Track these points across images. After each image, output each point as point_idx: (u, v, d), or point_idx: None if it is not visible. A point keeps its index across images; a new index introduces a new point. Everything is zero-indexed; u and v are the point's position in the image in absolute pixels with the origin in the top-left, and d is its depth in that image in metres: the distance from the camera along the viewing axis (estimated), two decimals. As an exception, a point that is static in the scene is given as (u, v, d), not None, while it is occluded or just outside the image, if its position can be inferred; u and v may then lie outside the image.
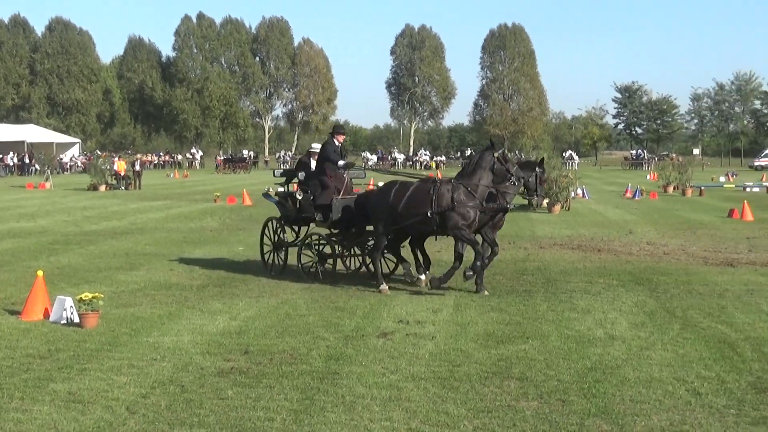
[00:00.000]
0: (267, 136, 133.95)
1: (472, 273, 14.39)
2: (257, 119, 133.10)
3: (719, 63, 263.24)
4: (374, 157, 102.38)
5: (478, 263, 14.42)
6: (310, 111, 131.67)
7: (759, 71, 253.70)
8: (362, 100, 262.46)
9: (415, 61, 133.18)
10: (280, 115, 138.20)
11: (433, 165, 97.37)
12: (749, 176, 74.04)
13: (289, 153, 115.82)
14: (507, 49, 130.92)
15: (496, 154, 15.07)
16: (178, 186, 56.21)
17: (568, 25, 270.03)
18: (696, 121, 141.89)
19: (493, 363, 9.71)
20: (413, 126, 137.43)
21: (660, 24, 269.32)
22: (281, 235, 17.39)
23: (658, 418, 7.71)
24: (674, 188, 47.38)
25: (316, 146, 17.35)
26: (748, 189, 49.36)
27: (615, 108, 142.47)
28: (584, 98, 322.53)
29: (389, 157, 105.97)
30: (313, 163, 16.82)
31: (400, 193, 15.12)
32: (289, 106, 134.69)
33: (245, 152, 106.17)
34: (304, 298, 14.08)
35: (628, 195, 43.37)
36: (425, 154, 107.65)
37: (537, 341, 10.75)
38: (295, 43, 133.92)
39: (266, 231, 17.59)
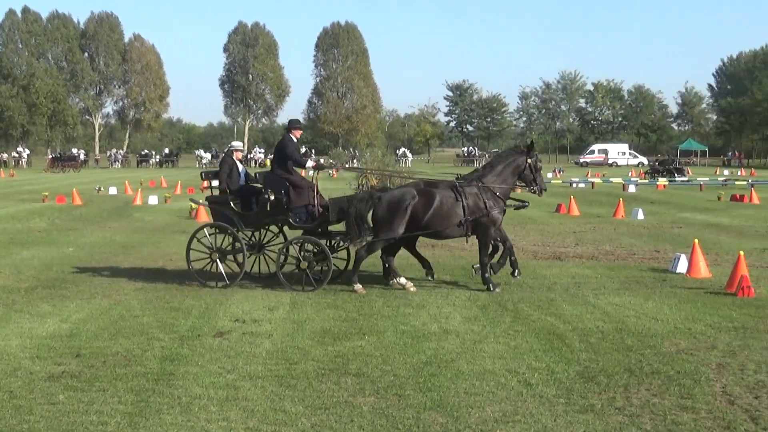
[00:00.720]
0: (97, 134, 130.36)
1: (479, 267, 14.68)
2: (87, 117, 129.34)
3: (546, 62, 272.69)
4: (208, 155, 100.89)
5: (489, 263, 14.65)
6: (142, 108, 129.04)
7: (584, 71, 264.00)
8: (195, 97, 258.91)
9: (249, 59, 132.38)
10: (111, 112, 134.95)
11: (268, 163, 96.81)
12: (575, 172, 76.87)
13: (121, 151, 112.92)
14: (340, 47, 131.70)
15: (529, 161, 15.13)
16: (4, 185, 53.99)
17: (400, 24, 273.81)
18: (524, 118, 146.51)
19: (330, 360, 9.75)
20: (247, 124, 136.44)
21: (490, 24, 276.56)
22: (223, 242, 15.92)
23: (492, 409, 7.91)
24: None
25: (238, 144, 16.28)
26: (574, 185, 51.21)
27: (447, 106, 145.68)
28: (417, 96, 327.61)
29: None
30: (240, 165, 15.76)
31: (424, 204, 14.55)
32: (120, 103, 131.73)
33: (75, 150, 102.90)
34: (138, 298, 13.77)
35: (461, 192, 44.25)
36: (260, 152, 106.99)
37: (373, 337, 10.86)
38: (126, 39, 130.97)
39: (198, 239, 15.52)
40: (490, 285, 14.35)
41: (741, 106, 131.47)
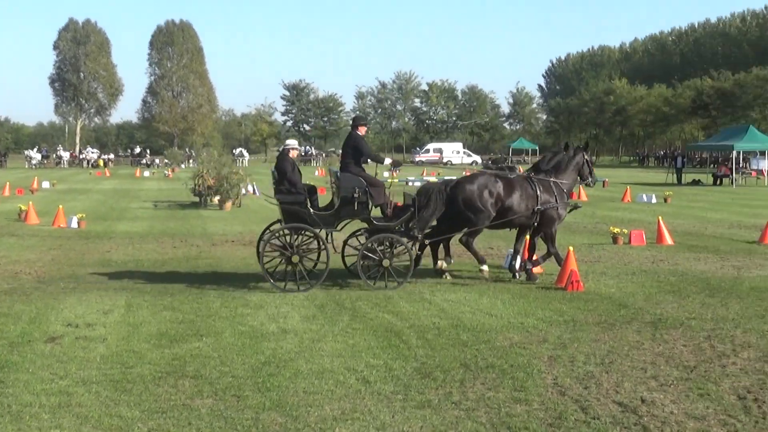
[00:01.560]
0: None
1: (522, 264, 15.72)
2: None
3: (382, 63, 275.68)
4: (38, 155, 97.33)
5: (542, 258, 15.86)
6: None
7: (418, 71, 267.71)
8: (24, 95, 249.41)
9: (80, 57, 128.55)
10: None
11: (101, 164, 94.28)
12: (411, 171, 77.94)
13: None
14: (175, 45, 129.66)
15: (587, 157, 16.31)
16: None
17: (237, 23, 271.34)
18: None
19: (167, 362, 9.59)
20: (79, 123, 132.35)
21: (326, 24, 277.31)
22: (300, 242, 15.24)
23: (331, 408, 7.96)
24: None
25: (293, 142, 16.04)
26: (410, 183, 51.94)
27: (284, 105, 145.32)
28: (254, 96, 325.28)
29: (54, 155, 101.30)
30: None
31: (508, 188, 15.37)
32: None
33: None
34: (-41, 305, 13.15)
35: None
36: (92, 152, 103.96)
37: (211, 338, 10.74)
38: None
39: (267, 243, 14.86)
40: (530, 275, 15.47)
41: (569, 106, 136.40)
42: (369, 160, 15.66)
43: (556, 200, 15.61)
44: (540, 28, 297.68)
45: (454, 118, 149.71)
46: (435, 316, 12.05)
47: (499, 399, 8.17)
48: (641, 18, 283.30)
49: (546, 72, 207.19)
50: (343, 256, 15.94)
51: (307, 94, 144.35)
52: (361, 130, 15.69)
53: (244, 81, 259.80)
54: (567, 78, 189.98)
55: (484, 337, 10.73)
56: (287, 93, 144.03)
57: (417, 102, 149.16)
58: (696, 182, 57.60)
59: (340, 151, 15.90)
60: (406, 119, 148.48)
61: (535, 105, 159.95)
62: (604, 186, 50.31)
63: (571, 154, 16.24)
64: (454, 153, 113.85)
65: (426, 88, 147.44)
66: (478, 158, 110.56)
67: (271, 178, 15.46)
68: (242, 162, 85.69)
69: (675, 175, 58.94)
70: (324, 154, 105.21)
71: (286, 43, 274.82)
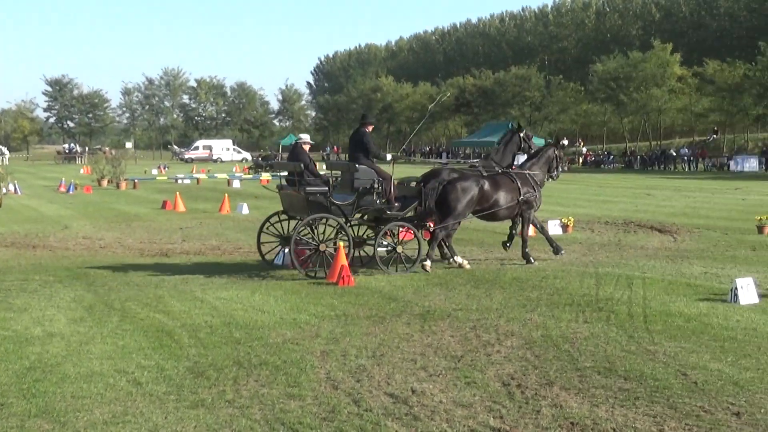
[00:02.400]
0: None
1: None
2: None
3: (149, 59, 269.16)
4: None
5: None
6: None
7: (186, 67, 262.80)
8: None
9: None
10: None
11: None
12: (180, 168, 76.73)
13: None
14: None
15: (557, 152, 18.04)
16: None
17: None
18: (128, 114, 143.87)
19: None
20: None
21: (90, 16, 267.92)
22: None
23: (101, 412, 7.71)
24: (108, 181, 47.61)
25: (306, 136, 17.27)
26: (179, 181, 51.16)
27: (46, 101, 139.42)
28: (13, 91, 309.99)
29: None
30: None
31: (493, 184, 16.70)
32: None
33: None
34: None
35: (62, 189, 42.67)
36: None
37: (-31, 346, 10.15)
38: None
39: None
40: (530, 258, 16.87)
41: (338, 103, 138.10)
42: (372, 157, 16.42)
43: (535, 190, 17.28)
44: (308, 26, 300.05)
45: (223, 115, 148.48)
46: (207, 315, 11.91)
47: (273, 395, 8.18)
48: (406, 17, 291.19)
49: (314, 69, 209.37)
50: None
51: (71, 89, 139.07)
52: (368, 128, 16.65)
53: (2, 76, 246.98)
54: (335, 75, 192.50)
55: (257, 334, 10.70)
56: (49, 88, 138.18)
57: (186, 98, 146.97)
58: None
59: (335, 148, 17.01)
60: (175, 116, 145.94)
61: (304, 102, 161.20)
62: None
63: (542, 149, 18.19)
64: (224, 150, 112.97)
65: (195, 84, 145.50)
66: (248, 155, 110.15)
67: (276, 170, 16.65)
68: (3, 160, 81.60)
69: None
70: (89, 152, 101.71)
71: (47, 37, 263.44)
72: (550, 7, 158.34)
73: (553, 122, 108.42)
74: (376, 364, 9.31)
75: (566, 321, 11.27)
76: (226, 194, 33.03)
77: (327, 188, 15.70)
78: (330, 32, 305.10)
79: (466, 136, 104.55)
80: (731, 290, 12.43)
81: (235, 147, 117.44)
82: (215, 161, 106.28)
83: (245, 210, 29.81)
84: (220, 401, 8.01)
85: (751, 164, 70.35)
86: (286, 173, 17.42)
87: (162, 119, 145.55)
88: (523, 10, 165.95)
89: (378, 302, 12.85)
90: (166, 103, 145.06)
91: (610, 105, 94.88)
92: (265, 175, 54.38)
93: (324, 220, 15.89)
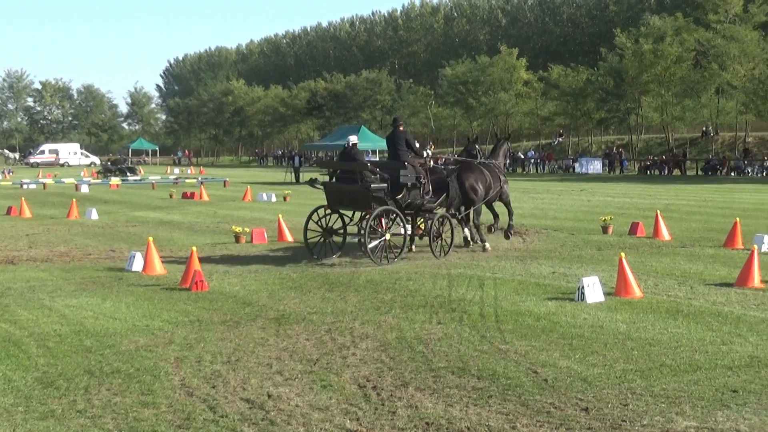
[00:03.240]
0: None
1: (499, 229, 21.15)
2: None
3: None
4: None
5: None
6: None
7: (30, 69, 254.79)
8: None
9: None
10: None
11: None
12: (26, 173, 74.23)
13: None
14: None
15: (508, 144, 22.36)
16: None
17: None
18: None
19: None
20: None
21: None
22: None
23: (-57, 428, 7.39)
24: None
25: (354, 138, 19.04)
26: (25, 186, 49.50)
27: None
28: None
29: None
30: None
31: (486, 173, 19.93)
32: None
33: None
34: None
35: None
36: None
37: None
38: None
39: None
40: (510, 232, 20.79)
41: (188, 106, 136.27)
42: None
43: (504, 178, 20.84)
44: (157, 28, 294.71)
45: (70, 118, 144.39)
46: (56, 323, 11.56)
47: (126, 404, 8.00)
48: (257, 20, 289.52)
49: (164, 72, 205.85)
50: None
51: None
52: (401, 128, 18.92)
53: None
54: (185, 78, 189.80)
55: (109, 342, 10.46)
56: None
57: (30, 101, 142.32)
58: (313, 181, 59.72)
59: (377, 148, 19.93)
60: (19, 119, 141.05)
61: (153, 105, 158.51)
62: (225, 186, 50.85)
63: (499, 144, 21.84)
64: (71, 154, 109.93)
65: (39, 87, 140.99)
66: (96, 159, 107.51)
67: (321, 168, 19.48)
68: None
69: (293, 174, 60.75)
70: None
71: None
72: (399, 11, 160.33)
73: (403, 125, 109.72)
74: (232, 369, 9.23)
75: (420, 322, 11.43)
76: (74, 199, 32.14)
77: (387, 184, 17.70)
78: (179, 34, 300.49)
79: (318, 139, 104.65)
80: (578, 289, 12.85)
81: (83, 151, 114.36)
82: (62, 165, 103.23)
83: (94, 215, 29.08)
84: (70, 412, 7.79)
85: (595, 166, 72.97)
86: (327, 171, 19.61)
87: (5, 122, 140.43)
88: (373, 14, 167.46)
89: (232, 307, 12.75)
90: (9, 106, 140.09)
91: (460, 108, 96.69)
92: (115, 180, 53.16)
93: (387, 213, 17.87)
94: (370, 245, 16.98)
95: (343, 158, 19.14)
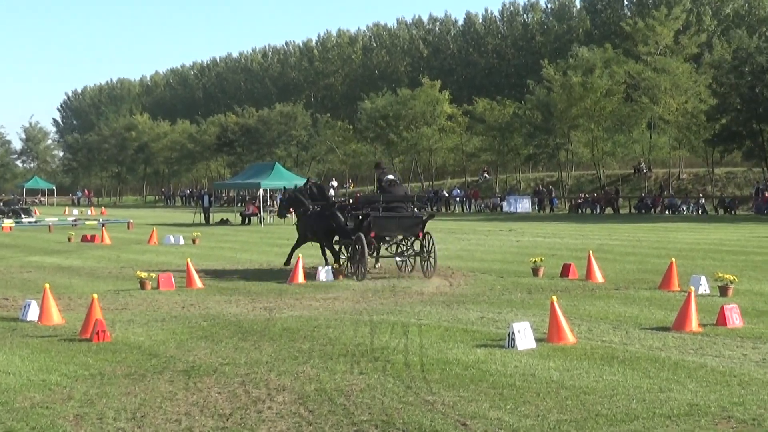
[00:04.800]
0: None
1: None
2: None
3: None
4: None
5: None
6: None
7: None
8: None
9: None
10: None
11: None
12: None
13: None
14: None
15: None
16: None
17: None
18: None
19: None
20: None
21: None
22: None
23: None
24: None
25: (391, 176, 24.76)
26: None
27: None
28: None
29: None
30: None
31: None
32: None
33: None
34: None
35: None
36: None
37: None
38: None
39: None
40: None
41: (88, 143, 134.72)
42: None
43: None
44: (53, 58, 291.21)
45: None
46: (-59, 380, 11.24)
47: (19, 468, 7.81)
48: (162, 50, 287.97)
49: (61, 105, 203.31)
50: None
51: None
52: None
53: None
54: (85, 112, 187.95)
55: (2, 399, 10.20)
56: None
57: None
58: (224, 221, 59.48)
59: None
60: None
61: (50, 141, 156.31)
62: (129, 228, 50.23)
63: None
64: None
65: None
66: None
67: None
68: None
69: (203, 215, 60.32)
70: None
71: None
72: (315, 41, 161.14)
73: (321, 162, 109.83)
74: (137, 426, 9.07)
75: (341, 373, 11.38)
76: (-39, 244, 31.44)
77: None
78: (78, 65, 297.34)
79: (229, 177, 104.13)
80: (508, 335, 12.92)
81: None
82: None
83: (-16, 261, 28.47)
84: (-43, 478, 7.57)
85: (524, 205, 74.00)
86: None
87: None
88: (287, 44, 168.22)
89: (137, 359, 12.54)
90: None
91: (380, 144, 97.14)
92: (8, 222, 52.13)
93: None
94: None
95: (392, 190, 24.12)
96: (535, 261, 23.44)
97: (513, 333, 12.80)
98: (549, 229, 46.57)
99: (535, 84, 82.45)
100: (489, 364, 11.74)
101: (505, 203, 76.28)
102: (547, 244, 34.54)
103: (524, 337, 12.82)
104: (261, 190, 58.79)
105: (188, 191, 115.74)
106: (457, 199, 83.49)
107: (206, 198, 64.38)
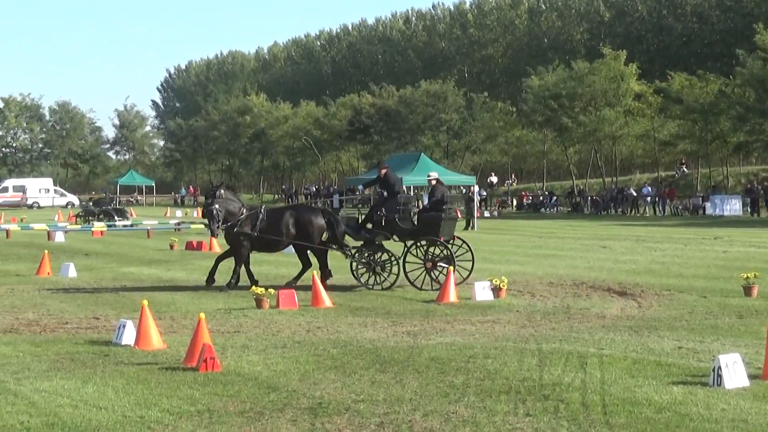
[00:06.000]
0: None
1: None
2: None
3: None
4: None
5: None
6: None
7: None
8: None
9: None
10: None
11: None
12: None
13: None
14: None
15: None
16: None
17: None
18: None
19: None
20: None
21: None
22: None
23: None
24: None
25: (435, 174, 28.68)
26: None
27: None
28: None
29: None
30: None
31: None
32: None
33: None
34: None
35: None
36: None
37: None
38: None
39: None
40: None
41: (194, 129, 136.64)
42: None
43: None
44: (152, 30, 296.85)
45: (40, 146, 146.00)
46: (23, 413, 11.64)
47: None
48: (282, 17, 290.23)
49: (162, 85, 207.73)
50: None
51: None
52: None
53: None
54: (189, 92, 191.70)
55: (92, 439, 10.50)
56: None
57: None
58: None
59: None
60: None
61: (148, 128, 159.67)
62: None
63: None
64: (43, 192, 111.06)
65: (1, 104, 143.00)
66: (74, 198, 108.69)
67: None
68: None
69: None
70: None
71: None
72: (469, 4, 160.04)
73: (477, 153, 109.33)
74: (253, 476, 9.21)
75: (502, 414, 11.34)
76: (46, 251, 32.44)
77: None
78: (182, 36, 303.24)
79: (364, 171, 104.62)
80: (714, 370, 12.65)
81: (57, 188, 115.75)
82: (30, 207, 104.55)
83: (72, 272, 29.32)
84: None
85: (733, 206, 72.28)
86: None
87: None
88: (434, 8, 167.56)
89: (253, 393, 12.72)
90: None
91: (551, 130, 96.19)
92: (99, 225, 53.68)
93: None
94: None
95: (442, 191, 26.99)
96: (748, 277, 22.89)
97: (719, 368, 12.53)
98: (765, 238, 45.46)
99: (746, 54, 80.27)
100: (689, 407, 11.53)
101: (708, 204, 74.77)
102: (762, 257, 33.73)
103: (734, 372, 12.53)
104: (403, 187, 58.91)
105: (314, 188, 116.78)
106: (648, 199, 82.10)
107: (336, 197, 65.02)
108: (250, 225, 25.45)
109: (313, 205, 26.59)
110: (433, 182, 27.55)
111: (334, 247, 26.02)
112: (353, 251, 25.71)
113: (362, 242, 25.93)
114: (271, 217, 25.82)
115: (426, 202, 27.93)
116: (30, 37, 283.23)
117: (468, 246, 26.08)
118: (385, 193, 26.41)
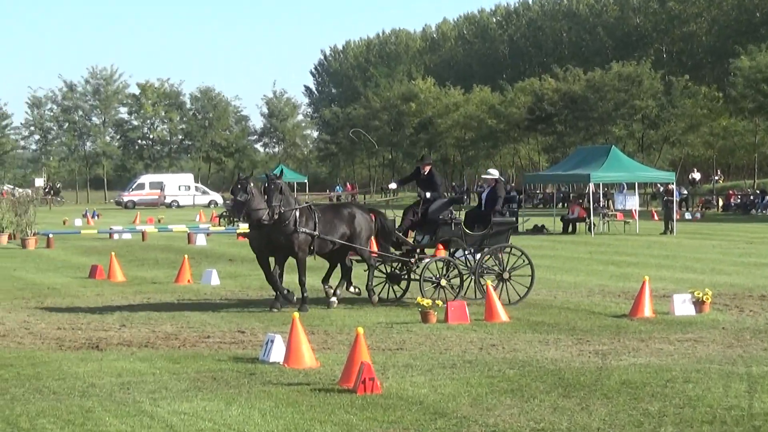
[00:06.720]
0: None
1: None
2: None
3: (70, 54, 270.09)
4: None
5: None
6: None
7: (124, 67, 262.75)
8: None
9: None
10: None
11: None
12: (117, 217, 76.92)
13: None
14: None
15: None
16: None
17: None
18: (37, 137, 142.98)
19: None
20: None
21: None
22: None
23: None
24: (10, 237, 47.72)
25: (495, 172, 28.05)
26: (116, 235, 51.18)
27: None
28: None
29: None
30: None
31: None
32: None
33: None
34: None
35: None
36: None
37: None
38: None
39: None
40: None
41: (352, 119, 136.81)
42: None
43: None
44: (305, 7, 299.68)
45: (180, 137, 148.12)
46: (160, 438, 11.88)
47: None
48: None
49: (316, 68, 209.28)
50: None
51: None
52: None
53: None
54: (347, 77, 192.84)
55: (237, 468, 10.65)
56: None
57: (123, 112, 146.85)
58: (539, 229, 59.56)
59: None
60: (108, 138, 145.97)
61: (301, 117, 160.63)
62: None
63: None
64: (182, 189, 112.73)
65: (137, 91, 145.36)
66: (217, 196, 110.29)
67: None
68: None
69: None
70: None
71: None
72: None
73: (676, 145, 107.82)
74: None
75: (706, 447, 11.19)
76: (186, 256, 32.98)
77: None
78: (338, 13, 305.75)
79: (546, 166, 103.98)
80: None
81: (199, 185, 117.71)
82: (169, 206, 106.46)
83: (215, 279, 29.75)
84: None
85: None
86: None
87: (89, 143, 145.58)
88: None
89: (418, 418, 12.76)
90: (95, 120, 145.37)
91: (763, 119, 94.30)
92: (244, 227, 54.36)
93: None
94: None
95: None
96: None
97: None
98: None
99: None
100: None
101: None
102: None
103: None
104: (591, 184, 58.45)
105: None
106: None
107: (515, 196, 64.70)
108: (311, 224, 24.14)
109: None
110: (492, 182, 26.67)
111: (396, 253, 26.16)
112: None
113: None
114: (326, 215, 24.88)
115: (484, 202, 26.62)
116: (168, 18, 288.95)
117: (527, 257, 25.33)
118: (428, 194, 25.71)
